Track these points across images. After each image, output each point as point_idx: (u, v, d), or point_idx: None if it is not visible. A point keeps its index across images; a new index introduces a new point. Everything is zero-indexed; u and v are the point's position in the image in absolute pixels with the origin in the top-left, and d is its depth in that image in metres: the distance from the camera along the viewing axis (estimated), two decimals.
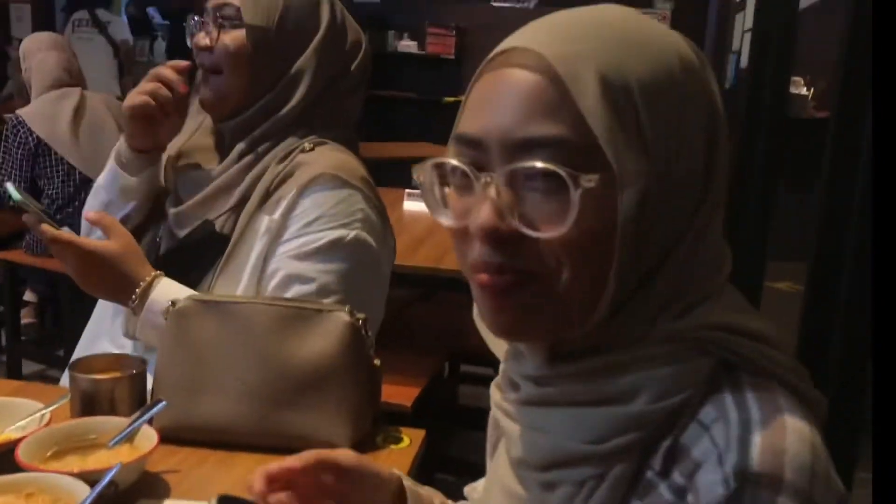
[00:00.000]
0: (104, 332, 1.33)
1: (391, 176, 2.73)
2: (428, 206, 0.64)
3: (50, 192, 3.18)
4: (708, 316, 0.59)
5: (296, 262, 1.22)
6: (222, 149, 1.32)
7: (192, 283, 1.23)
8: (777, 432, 0.54)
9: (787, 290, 3.80)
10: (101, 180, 1.36)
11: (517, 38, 0.61)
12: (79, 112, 3.17)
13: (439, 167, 0.62)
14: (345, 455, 0.77)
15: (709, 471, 0.54)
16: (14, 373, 3.37)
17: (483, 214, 0.57)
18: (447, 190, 0.63)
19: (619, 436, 0.58)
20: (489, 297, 0.60)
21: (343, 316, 1.10)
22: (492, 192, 0.58)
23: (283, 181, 1.25)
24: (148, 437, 0.98)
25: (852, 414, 1.59)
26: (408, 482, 0.80)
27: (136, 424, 1.00)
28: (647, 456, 0.58)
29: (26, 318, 3.77)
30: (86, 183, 3.16)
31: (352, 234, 1.24)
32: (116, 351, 1.25)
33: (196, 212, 1.29)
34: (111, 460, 0.93)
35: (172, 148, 1.35)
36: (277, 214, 1.24)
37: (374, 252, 1.27)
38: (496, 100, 0.59)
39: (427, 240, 2.44)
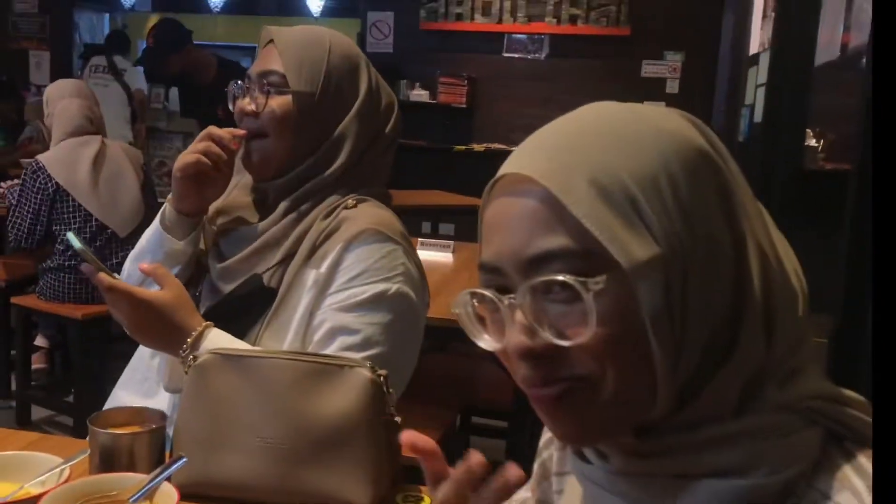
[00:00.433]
0: (134, 386, 1.34)
1: (403, 224, 2.74)
2: (468, 333, 0.66)
3: (65, 239, 3.20)
4: (810, 384, 0.60)
5: (341, 314, 1.25)
6: (263, 206, 1.36)
7: (238, 336, 1.25)
8: None
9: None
10: (144, 244, 1.38)
11: (511, 164, 0.64)
12: (98, 160, 3.20)
13: (472, 296, 0.65)
14: None
15: None
16: (23, 418, 3.36)
17: (514, 336, 0.60)
18: (484, 316, 0.66)
19: None
20: (544, 409, 0.62)
21: (365, 372, 1.09)
22: (517, 313, 0.60)
23: (328, 236, 1.29)
24: (168, 494, 0.97)
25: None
26: None
27: (156, 482, 0.99)
28: None
29: (37, 363, 3.76)
30: (102, 230, 3.18)
31: (394, 287, 1.27)
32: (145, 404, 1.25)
33: (242, 267, 1.32)
34: None
35: (210, 206, 1.38)
36: (324, 268, 1.27)
37: (414, 305, 1.31)
38: (502, 226, 0.63)
39: (441, 290, 2.44)
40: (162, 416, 1.13)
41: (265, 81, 1.30)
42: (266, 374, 1.09)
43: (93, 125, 3.28)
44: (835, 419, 0.59)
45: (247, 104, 1.31)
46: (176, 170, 1.29)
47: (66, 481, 1.00)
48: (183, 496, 0.98)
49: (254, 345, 1.25)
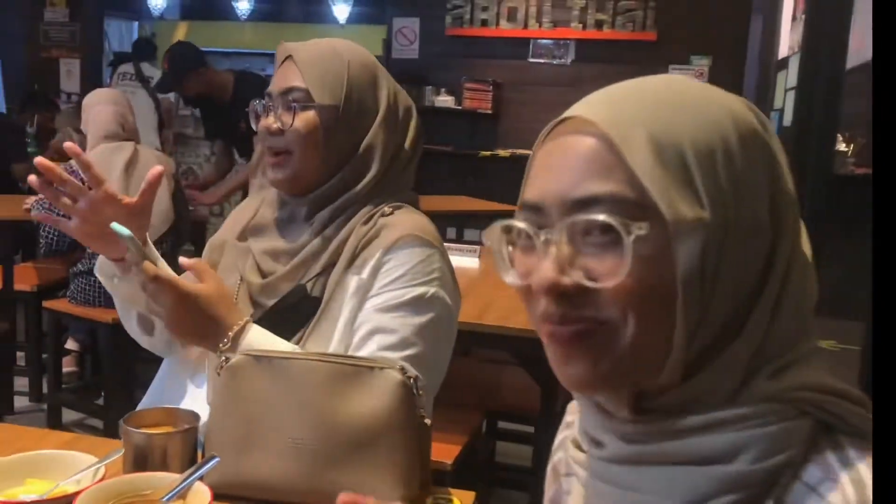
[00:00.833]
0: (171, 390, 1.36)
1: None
2: (497, 266, 0.67)
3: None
4: (803, 376, 0.60)
5: (380, 315, 1.27)
6: (295, 221, 1.36)
7: None
8: None
9: (831, 349, 3.75)
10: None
11: (573, 109, 0.65)
12: (131, 165, 3.24)
13: (506, 230, 0.66)
14: None
15: None
16: (54, 421, 3.40)
17: (544, 269, 0.61)
18: (513, 251, 0.66)
19: (718, 496, 0.58)
20: (555, 346, 0.63)
21: (395, 374, 1.09)
22: (552, 248, 0.61)
23: (368, 242, 1.31)
24: (201, 493, 0.98)
25: None
26: None
27: (188, 481, 1.00)
28: None
29: (67, 366, 3.81)
30: None
31: (432, 290, 1.30)
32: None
33: (285, 281, 1.32)
34: None
35: (236, 227, 1.41)
36: (365, 274, 1.29)
37: (449, 308, 1.33)
38: (553, 165, 0.63)
39: (467, 295, 2.43)
40: (194, 416, 1.14)
41: (289, 98, 1.30)
42: (297, 376, 1.10)
43: (125, 132, 3.32)
44: (827, 411, 0.59)
45: (271, 122, 1.31)
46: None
47: (101, 480, 1.01)
48: (215, 496, 0.99)
49: None
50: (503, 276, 0.66)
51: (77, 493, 0.95)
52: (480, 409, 2.39)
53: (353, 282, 1.29)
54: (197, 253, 1.72)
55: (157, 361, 1.46)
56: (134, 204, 1.26)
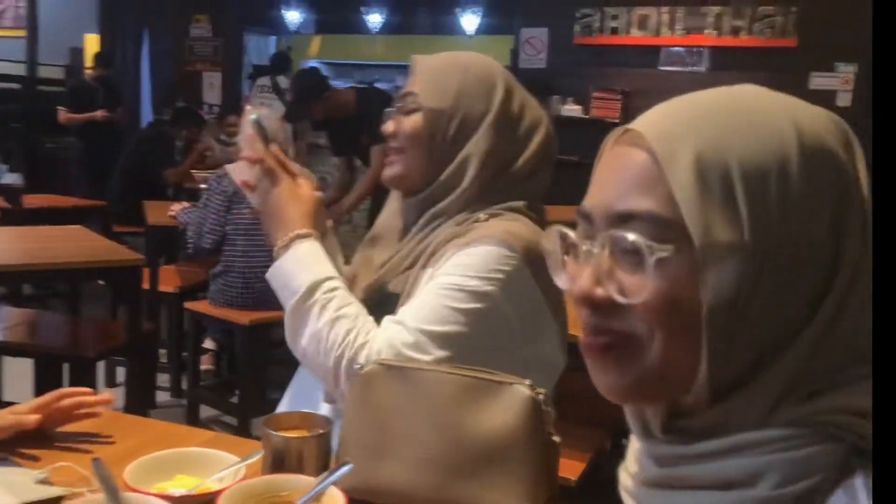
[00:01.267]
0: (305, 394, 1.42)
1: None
2: (550, 269, 0.69)
3: (237, 242, 3.39)
4: (839, 399, 0.57)
5: (428, 286, 1.28)
6: (406, 225, 1.42)
7: None
8: None
9: None
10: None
11: (635, 121, 0.65)
12: None
13: (561, 236, 0.68)
14: None
15: None
16: (192, 416, 3.58)
17: (582, 279, 0.62)
18: (567, 256, 0.68)
19: None
20: (589, 356, 0.65)
21: (524, 390, 1.09)
22: (592, 259, 0.62)
23: (447, 241, 1.32)
24: (335, 498, 1.00)
25: None
26: None
27: (324, 485, 1.03)
28: None
29: (205, 364, 4.00)
30: None
31: (488, 287, 1.25)
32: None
33: (380, 281, 1.38)
34: None
35: (373, 230, 1.49)
36: (437, 267, 1.30)
37: (502, 314, 1.27)
38: (605, 176, 0.65)
39: None
40: (328, 421, 1.18)
41: (404, 102, 1.37)
42: (429, 387, 1.11)
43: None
44: (860, 435, 0.56)
45: (389, 125, 1.39)
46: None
47: (242, 480, 1.06)
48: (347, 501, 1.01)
49: None
50: (555, 279, 0.68)
51: (220, 492, 1.00)
52: (606, 427, 2.35)
53: (425, 276, 1.31)
54: None
55: (289, 363, 1.50)
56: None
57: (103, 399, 1.31)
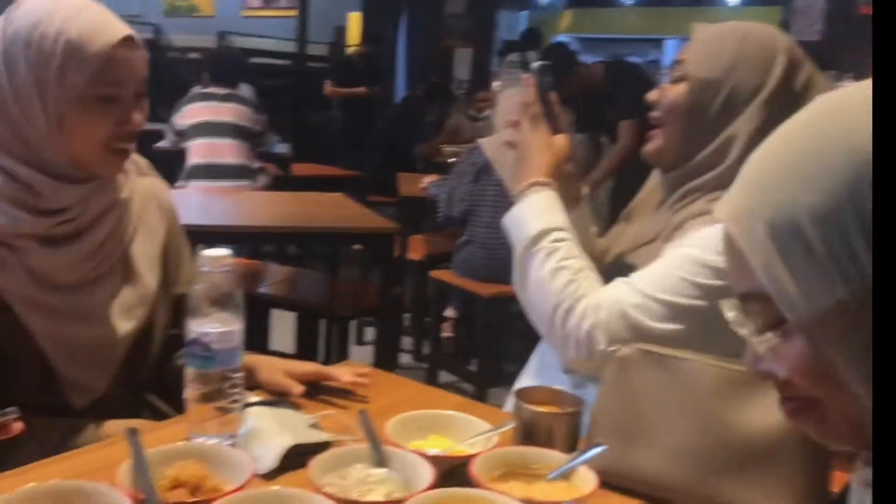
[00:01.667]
0: (546, 368, 1.41)
1: None
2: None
3: (483, 214, 3.46)
4: None
5: (665, 269, 1.24)
6: (662, 200, 1.38)
7: None
8: None
9: None
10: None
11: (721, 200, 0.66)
12: None
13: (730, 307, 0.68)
14: None
15: None
16: (431, 380, 3.73)
17: (747, 356, 0.64)
18: None
19: None
20: (790, 418, 0.65)
21: None
22: (749, 337, 0.63)
23: (695, 216, 1.26)
24: (587, 478, 0.99)
25: None
26: None
27: (575, 463, 1.01)
28: None
29: (446, 331, 4.15)
30: None
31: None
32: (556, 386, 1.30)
33: (631, 258, 1.37)
34: (554, 495, 0.96)
35: (631, 204, 1.49)
36: (681, 240, 1.26)
37: None
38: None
39: None
40: (579, 401, 1.16)
41: (672, 70, 1.31)
42: (689, 378, 1.06)
43: None
44: None
45: (651, 94, 1.34)
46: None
47: (493, 448, 1.07)
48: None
49: None
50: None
51: (473, 456, 1.02)
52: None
53: (667, 249, 1.26)
54: None
55: (528, 338, 1.50)
56: None
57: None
